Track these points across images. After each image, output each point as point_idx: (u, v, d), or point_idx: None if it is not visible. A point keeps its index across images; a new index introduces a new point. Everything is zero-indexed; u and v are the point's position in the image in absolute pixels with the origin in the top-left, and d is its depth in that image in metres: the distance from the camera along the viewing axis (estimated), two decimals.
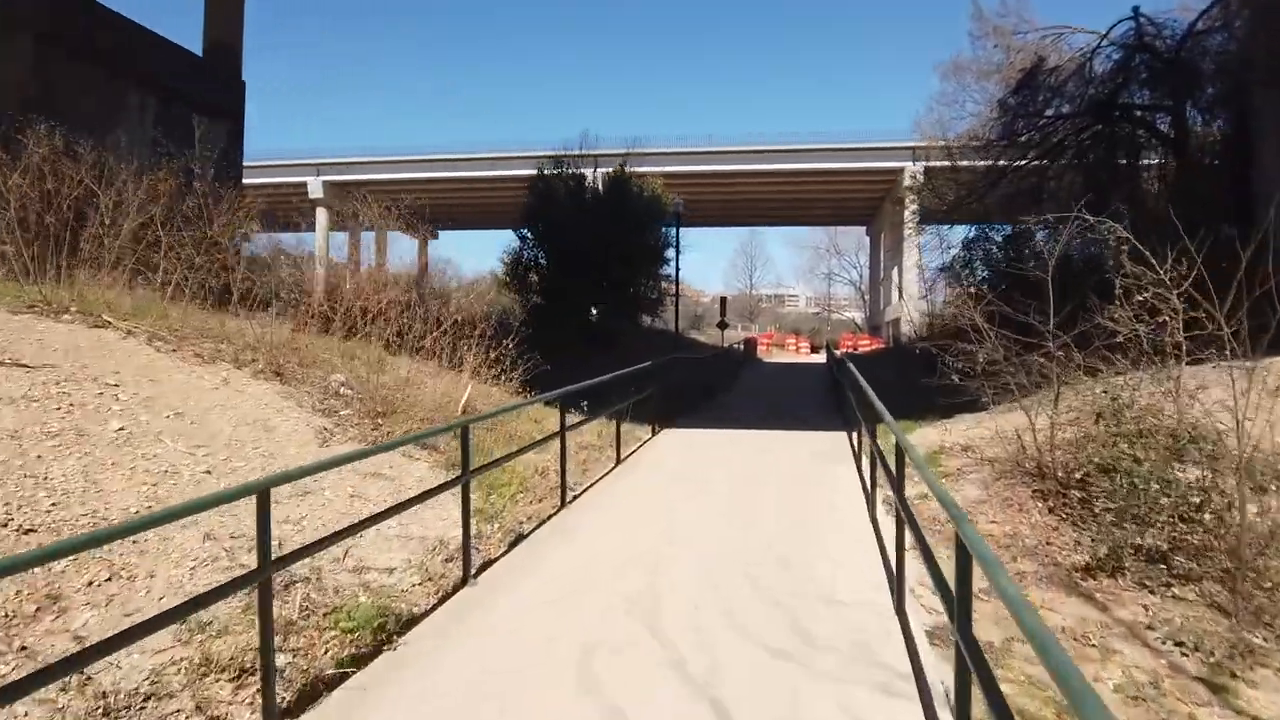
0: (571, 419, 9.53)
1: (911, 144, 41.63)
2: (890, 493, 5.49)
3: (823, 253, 65.65)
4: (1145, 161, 19.60)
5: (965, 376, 7.95)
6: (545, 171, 17.98)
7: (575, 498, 6.78)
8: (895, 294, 45.94)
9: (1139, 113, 19.14)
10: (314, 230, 49.18)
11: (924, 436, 9.44)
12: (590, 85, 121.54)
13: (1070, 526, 5.90)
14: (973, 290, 17.55)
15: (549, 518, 6.11)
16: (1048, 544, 5.64)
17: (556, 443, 6.68)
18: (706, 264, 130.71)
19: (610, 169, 18.63)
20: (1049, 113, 20.74)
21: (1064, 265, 8.30)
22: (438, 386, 8.76)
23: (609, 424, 10.23)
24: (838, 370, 15.30)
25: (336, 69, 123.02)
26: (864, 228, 56.03)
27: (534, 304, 17.50)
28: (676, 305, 22.14)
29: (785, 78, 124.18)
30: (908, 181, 41.70)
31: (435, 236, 60.40)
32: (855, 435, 9.48)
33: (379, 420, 7.02)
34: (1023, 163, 20.37)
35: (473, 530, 4.90)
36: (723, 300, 29.17)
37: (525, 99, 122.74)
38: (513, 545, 5.39)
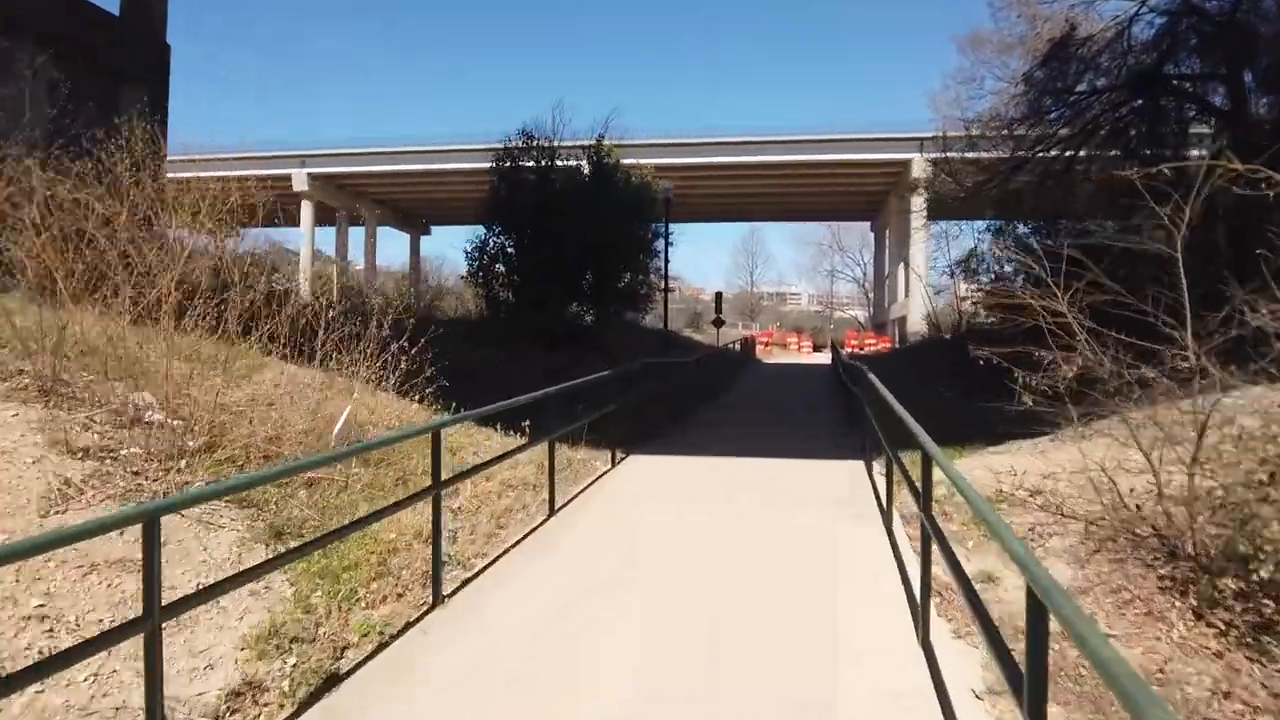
0: (508, 442, 7.30)
1: (920, 135, 39.23)
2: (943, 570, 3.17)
3: (825, 249, 63.33)
4: (1197, 133, 17.21)
5: (1042, 393, 5.57)
6: (512, 144, 15.54)
7: (456, 591, 4.37)
8: (901, 291, 43.52)
9: (1187, 84, 16.75)
10: (299, 226, 47.03)
11: (968, 473, 7.06)
12: (586, 76, 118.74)
13: (1249, 651, 3.56)
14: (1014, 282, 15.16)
15: (397, 635, 3.78)
16: (1226, 696, 3.29)
17: (491, 481, 4.33)
18: (708, 261, 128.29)
19: (588, 146, 16.17)
20: (1081, 87, 18.31)
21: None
22: (328, 404, 6.43)
23: (572, 448, 7.93)
24: (846, 375, 12.94)
25: (322, 58, 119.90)
26: (868, 223, 53.57)
27: (502, 301, 15.25)
28: (666, 301, 19.78)
29: (785, 68, 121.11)
30: (916, 173, 39.24)
31: (427, 232, 58.14)
32: (882, 467, 7.16)
33: (182, 461, 4.70)
34: (1051, 144, 18.01)
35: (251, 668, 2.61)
36: (718, 296, 26.80)
37: (522, 89, 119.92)
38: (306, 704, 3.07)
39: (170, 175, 8.59)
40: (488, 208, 15.54)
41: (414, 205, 51.48)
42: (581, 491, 6.68)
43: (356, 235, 52.63)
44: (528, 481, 6.68)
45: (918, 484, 3.95)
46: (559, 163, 15.67)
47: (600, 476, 7.25)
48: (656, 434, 9.80)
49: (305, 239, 45.49)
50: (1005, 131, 18.95)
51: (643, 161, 41.19)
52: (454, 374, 9.64)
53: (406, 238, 55.98)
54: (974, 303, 22.12)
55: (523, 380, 9.93)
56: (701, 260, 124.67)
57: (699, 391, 13.40)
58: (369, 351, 7.24)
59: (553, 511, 5.86)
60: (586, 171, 15.99)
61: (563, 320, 15.34)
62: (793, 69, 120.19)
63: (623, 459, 8.13)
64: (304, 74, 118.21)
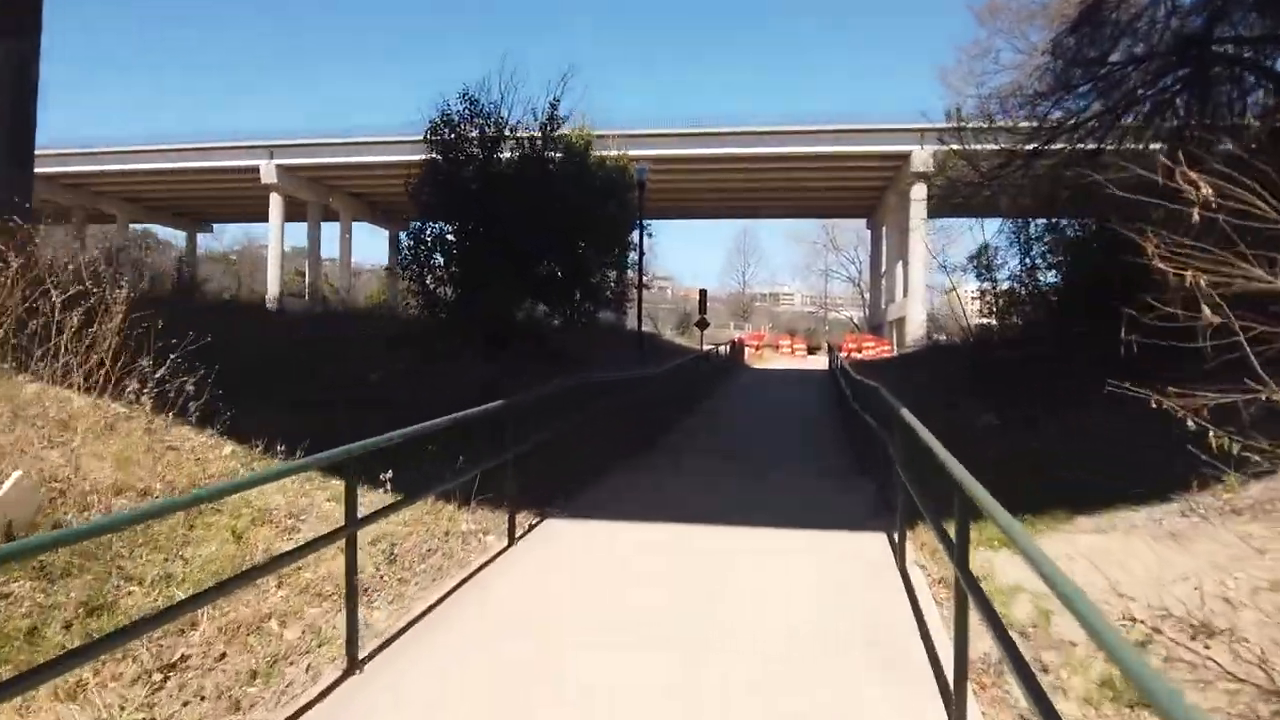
0: (371, 498, 4.70)
1: (920, 125, 36.67)
2: None
3: (819, 248, 60.91)
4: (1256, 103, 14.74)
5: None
6: (451, 113, 12.83)
7: None
8: (899, 291, 41.09)
9: (1244, 49, 14.31)
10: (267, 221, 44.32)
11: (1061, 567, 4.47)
12: (552, 58, 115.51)
13: None
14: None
15: None
16: None
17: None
18: (701, 261, 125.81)
19: (546, 115, 13.39)
20: (1115, 57, 15.86)
21: None
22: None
23: (463, 508, 5.39)
24: (850, 390, 10.38)
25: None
26: (864, 220, 51.11)
27: (441, 298, 12.68)
28: (640, 299, 17.20)
29: (780, 60, 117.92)
30: (917, 165, 36.82)
31: (407, 228, 55.42)
32: (917, 550, 4.62)
33: None
34: (1081, 122, 15.52)
35: None
36: (702, 294, 24.07)
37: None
38: None
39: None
40: (422, 187, 12.96)
41: (393, 199, 48.79)
42: (431, 608, 4.00)
43: (333, 232, 49.91)
44: (358, 581, 4.11)
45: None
46: (512, 134, 13.09)
47: (483, 567, 4.63)
48: (595, 478, 7.23)
49: (273, 235, 42.82)
50: (1028, 108, 16.47)
51: (631, 152, 38.79)
52: (354, 393, 7.14)
53: (385, 234, 53.27)
54: (989, 304, 19.60)
55: (438, 399, 7.40)
56: (695, 260, 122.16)
57: (666, 411, 10.84)
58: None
59: (354, 668, 3.25)
60: (532, 144, 13.38)
61: (510, 321, 12.75)
62: (789, 60, 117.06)
63: (531, 527, 5.52)
64: (277, 60, 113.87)
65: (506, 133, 12.71)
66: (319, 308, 20.47)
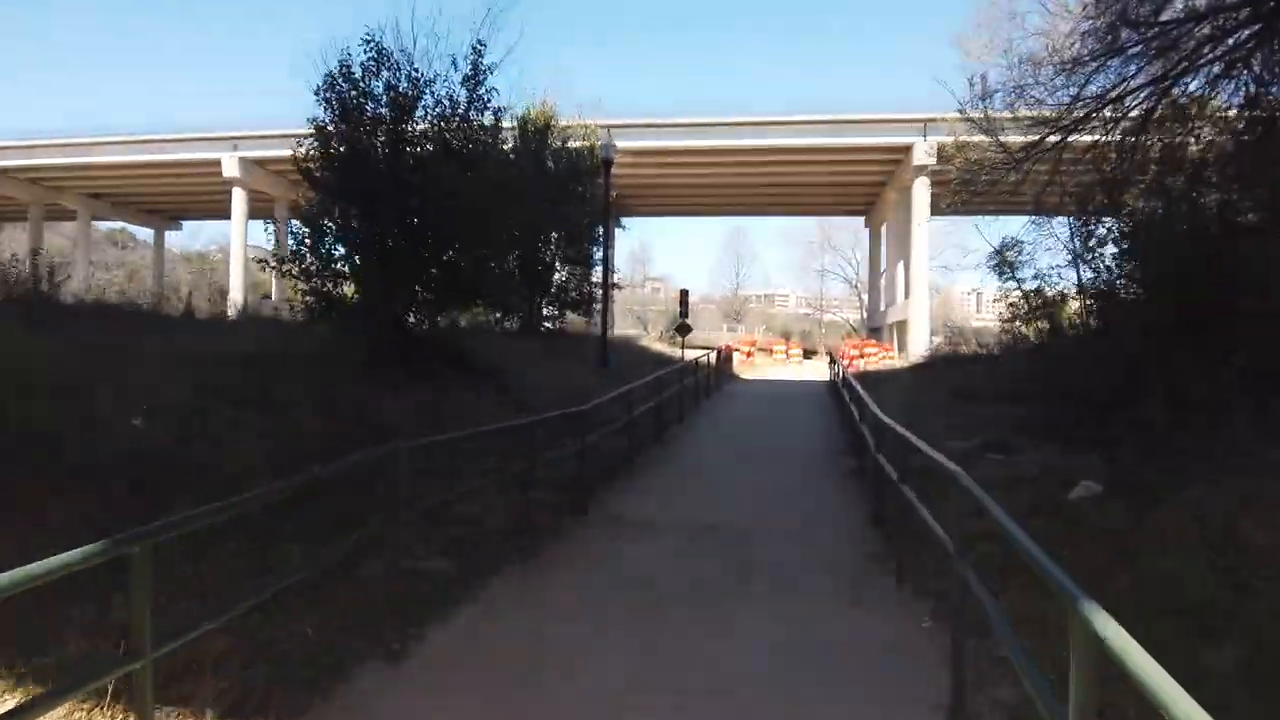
0: None
1: (923, 115, 34.18)
2: None
3: (815, 248, 58.23)
4: None
5: None
6: (349, 63, 9.92)
7: None
8: (900, 292, 38.42)
9: None
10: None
11: None
12: (533, 46, 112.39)
13: None
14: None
15: None
16: None
17: None
18: (696, 263, 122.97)
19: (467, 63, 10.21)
20: (1168, 15, 13.18)
21: None
22: None
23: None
24: (870, 427, 7.58)
25: None
26: (862, 219, 48.44)
27: (335, 298, 9.91)
28: (606, 301, 14.40)
29: (773, 48, 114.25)
30: (919, 158, 34.13)
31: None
32: None
33: None
34: (1132, 89, 12.81)
35: None
36: (683, 294, 21.05)
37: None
38: None
39: None
40: (316, 158, 10.18)
41: None
42: None
43: None
44: None
45: None
46: (430, 91, 10.29)
47: None
48: (459, 602, 4.41)
49: (235, 233, 39.99)
50: (1065, 76, 13.73)
51: (621, 144, 36.09)
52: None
53: None
54: (1018, 306, 16.77)
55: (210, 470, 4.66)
56: (690, 261, 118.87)
57: (608, 461, 8.00)
58: None
59: None
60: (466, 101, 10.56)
61: (403, 328, 9.95)
62: (782, 49, 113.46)
63: None
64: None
65: (426, 92, 9.91)
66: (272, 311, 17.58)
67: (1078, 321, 13.82)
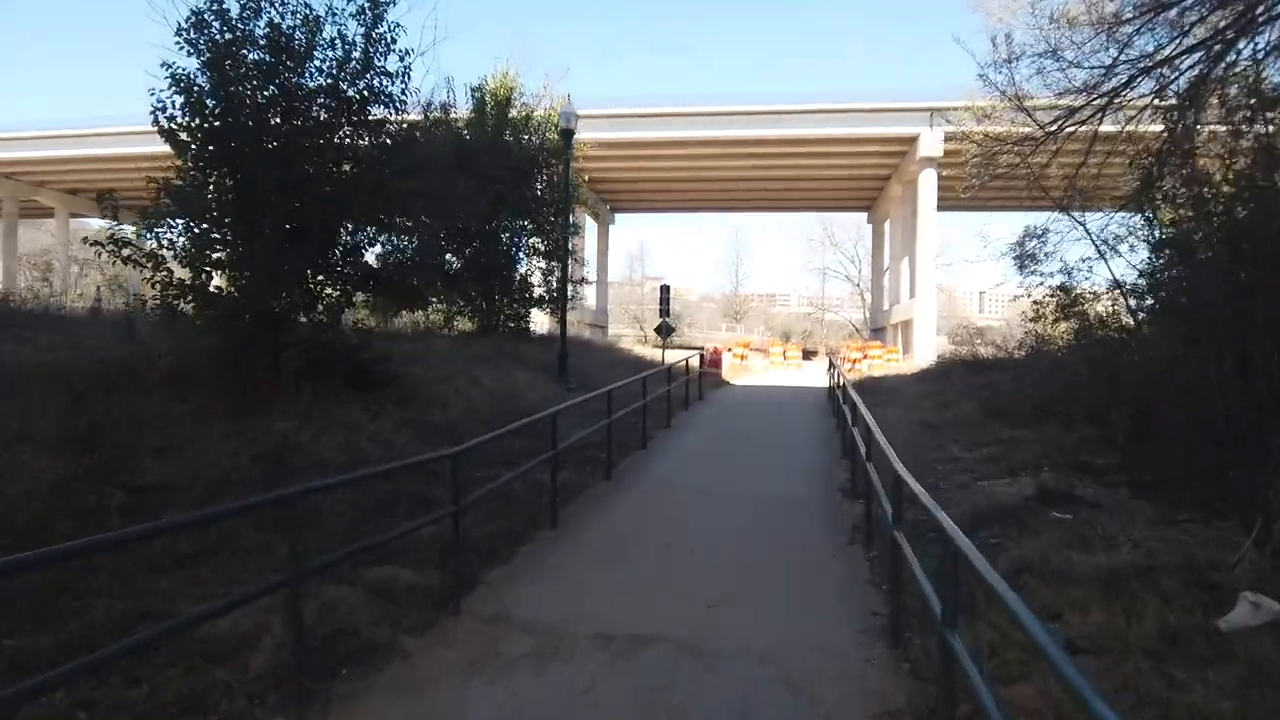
0: None
1: (930, 104, 31.91)
2: None
3: (816, 246, 55.98)
4: None
5: None
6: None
7: None
8: (905, 291, 36.21)
9: None
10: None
11: None
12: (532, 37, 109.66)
13: None
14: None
15: None
16: None
17: None
18: (697, 262, 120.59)
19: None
20: None
21: None
22: None
23: None
24: (887, 491, 5.35)
25: None
26: (865, 215, 46.20)
27: (210, 293, 7.79)
28: (563, 301, 12.18)
29: (767, 36, 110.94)
30: (926, 150, 31.91)
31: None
32: None
33: None
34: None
35: None
36: (663, 290, 18.54)
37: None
38: None
39: None
40: (173, 117, 8.07)
41: None
42: None
43: None
44: None
45: None
46: (320, 36, 8.19)
47: None
48: None
49: None
50: (1105, 35, 11.52)
51: (613, 136, 33.75)
52: None
53: None
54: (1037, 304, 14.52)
55: None
56: (692, 261, 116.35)
57: (506, 520, 5.79)
58: None
59: None
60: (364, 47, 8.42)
61: (278, 329, 7.81)
62: (776, 37, 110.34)
63: None
64: None
65: (318, 34, 7.79)
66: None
67: (1119, 324, 11.65)
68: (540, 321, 29.73)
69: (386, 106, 7.90)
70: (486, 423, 7.68)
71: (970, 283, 57.71)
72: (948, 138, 30.87)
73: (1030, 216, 15.55)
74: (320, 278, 8.17)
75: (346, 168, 8.25)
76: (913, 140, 32.74)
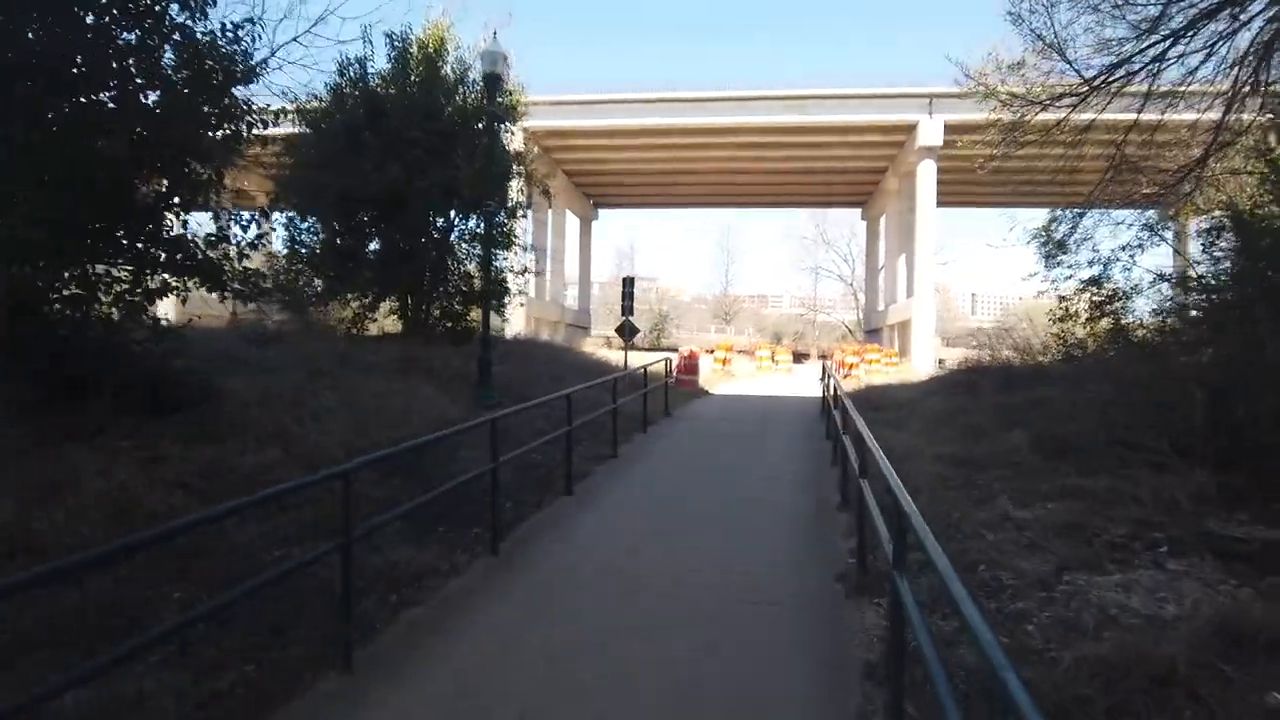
0: None
1: (929, 90, 29.60)
2: None
3: (809, 245, 53.65)
4: None
5: None
6: None
7: None
8: (902, 290, 33.90)
9: None
10: None
11: None
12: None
13: None
14: None
15: None
16: None
17: None
18: (688, 261, 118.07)
19: None
20: None
21: None
22: None
23: None
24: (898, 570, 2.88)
25: None
26: (859, 211, 43.95)
27: None
28: (487, 298, 9.62)
29: (763, 23, 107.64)
30: (924, 140, 29.58)
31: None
32: None
33: None
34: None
35: None
36: (626, 282, 15.90)
37: None
38: None
39: None
40: None
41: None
42: None
43: None
44: None
45: None
46: None
47: None
48: None
49: None
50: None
51: (592, 122, 31.22)
52: None
53: None
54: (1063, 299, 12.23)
55: None
56: (681, 262, 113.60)
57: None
58: None
59: None
60: None
61: (81, 336, 5.34)
62: (771, 29, 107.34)
63: None
64: None
65: None
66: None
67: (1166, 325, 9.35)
68: (517, 321, 27.12)
69: None
70: (333, 464, 5.19)
71: (963, 284, 55.44)
72: (948, 129, 28.61)
73: (1032, 214, 13.18)
74: (105, 257, 5.70)
75: (151, 98, 5.80)
76: (911, 129, 30.44)
